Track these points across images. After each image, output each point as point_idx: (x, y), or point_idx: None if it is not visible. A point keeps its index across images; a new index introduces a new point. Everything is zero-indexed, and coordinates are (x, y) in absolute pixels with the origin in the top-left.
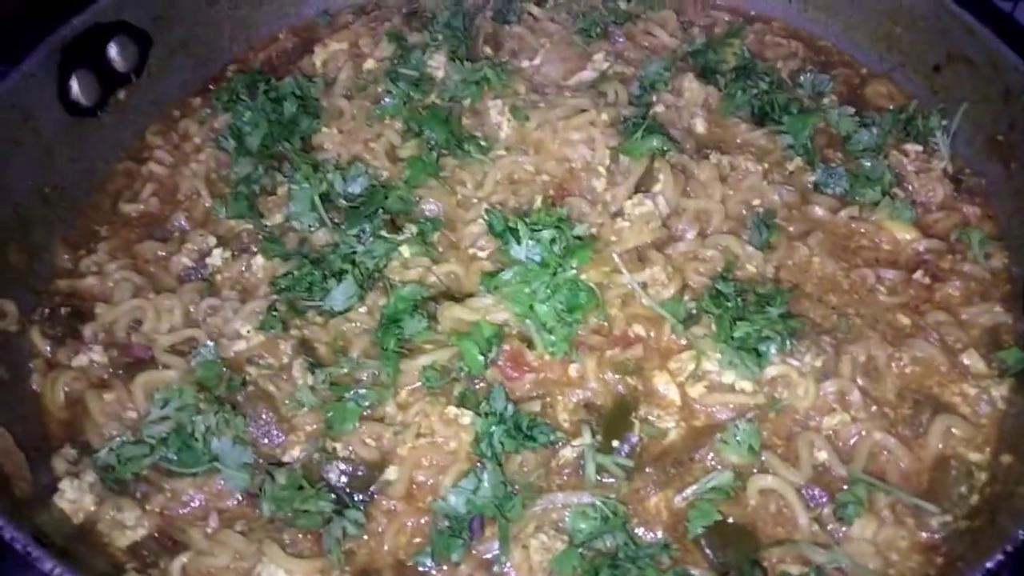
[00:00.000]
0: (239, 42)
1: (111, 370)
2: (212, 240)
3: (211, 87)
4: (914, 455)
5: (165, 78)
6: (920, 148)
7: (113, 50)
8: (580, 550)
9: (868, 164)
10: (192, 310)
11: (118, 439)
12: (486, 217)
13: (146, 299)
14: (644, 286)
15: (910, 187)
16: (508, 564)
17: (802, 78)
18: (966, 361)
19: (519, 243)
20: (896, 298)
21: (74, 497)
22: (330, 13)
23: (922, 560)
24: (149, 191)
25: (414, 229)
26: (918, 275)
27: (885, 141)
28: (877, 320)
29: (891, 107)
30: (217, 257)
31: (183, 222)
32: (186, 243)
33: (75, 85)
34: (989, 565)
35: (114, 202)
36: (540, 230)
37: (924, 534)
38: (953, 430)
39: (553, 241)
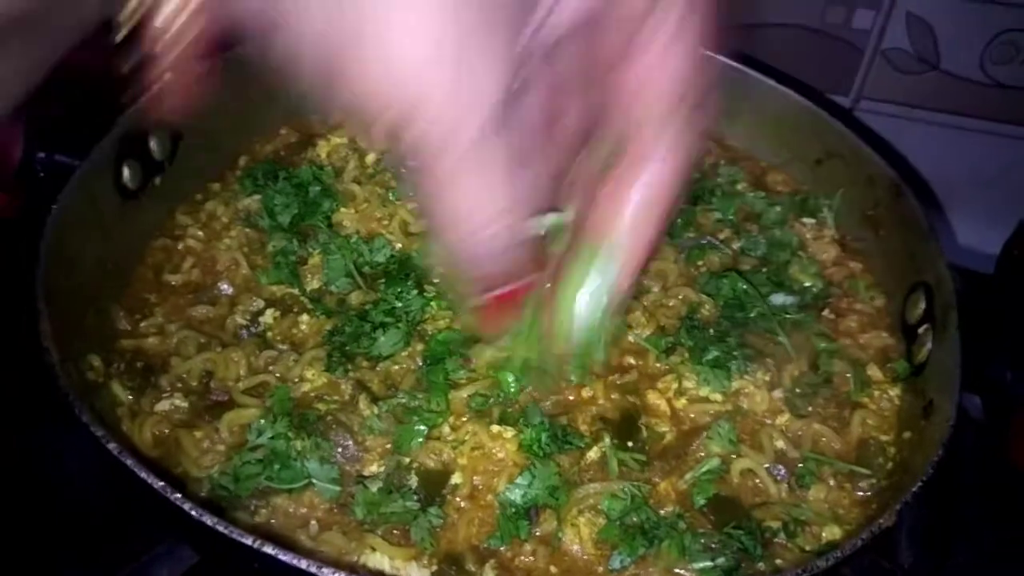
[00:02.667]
0: (248, 135)
1: (193, 413)
2: (261, 302)
3: (226, 174)
4: (843, 440)
5: (189, 166)
6: (813, 221)
7: (153, 141)
8: (617, 524)
9: (778, 233)
10: (253, 361)
11: (216, 467)
12: None
13: (215, 352)
14: (629, 327)
15: (810, 249)
16: (564, 539)
17: (720, 170)
18: (868, 372)
19: None
20: (813, 329)
21: None
22: (322, 112)
23: (861, 511)
24: (189, 263)
25: (434, 289)
26: (826, 312)
27: (787, 217)
28: (803, 346)
29: (787, 191)
30: (269, 316)
31: (227, 288)
32: (237, 305)
33: (126, 172)
34: (898, 507)
35: (156, 273)
36: None
37: (859, 493)
38: (867, 420)
39: None
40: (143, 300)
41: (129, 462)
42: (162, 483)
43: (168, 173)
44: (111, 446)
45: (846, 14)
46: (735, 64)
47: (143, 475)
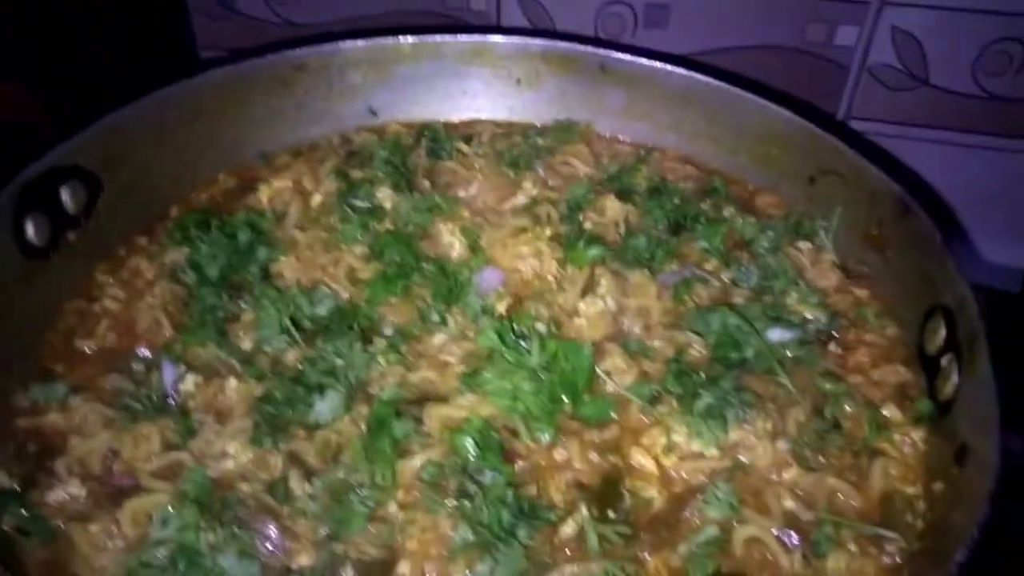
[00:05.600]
0: (182, 184)
1: (91, 502)
2: (182, 367)
3: (156, 226)
4: (863, 495)
5: (112, 219)
6: (810, 245)
7: (65, 194)
8: None
9: (772, 260)
10: (169, 436)
11: (113, 569)
12: (493, 329)
13: (122, 429)
14: (608, 374)
15: (809, 276)
16: None
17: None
18: (886, 413)
19: (531, 352)
20: (818, 367)
21: None
22: (267, 155)
23: None
24: (105, 326)
25: (384, 342)
26: (832, 347)
27: (780, 242)
28: (807, 387)
29: (779, 214)
30: (190, 383)
31: (145, 353)
32: (152, 372)
33: (30, 227)
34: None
35: (67, 340)
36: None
37: (886, 560)
38: (890, 470)
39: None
40: (47, 372)
41: None
42: None
43: (86, 227)
44: None
45: (828, 31)
46: (715, 81)
47: None
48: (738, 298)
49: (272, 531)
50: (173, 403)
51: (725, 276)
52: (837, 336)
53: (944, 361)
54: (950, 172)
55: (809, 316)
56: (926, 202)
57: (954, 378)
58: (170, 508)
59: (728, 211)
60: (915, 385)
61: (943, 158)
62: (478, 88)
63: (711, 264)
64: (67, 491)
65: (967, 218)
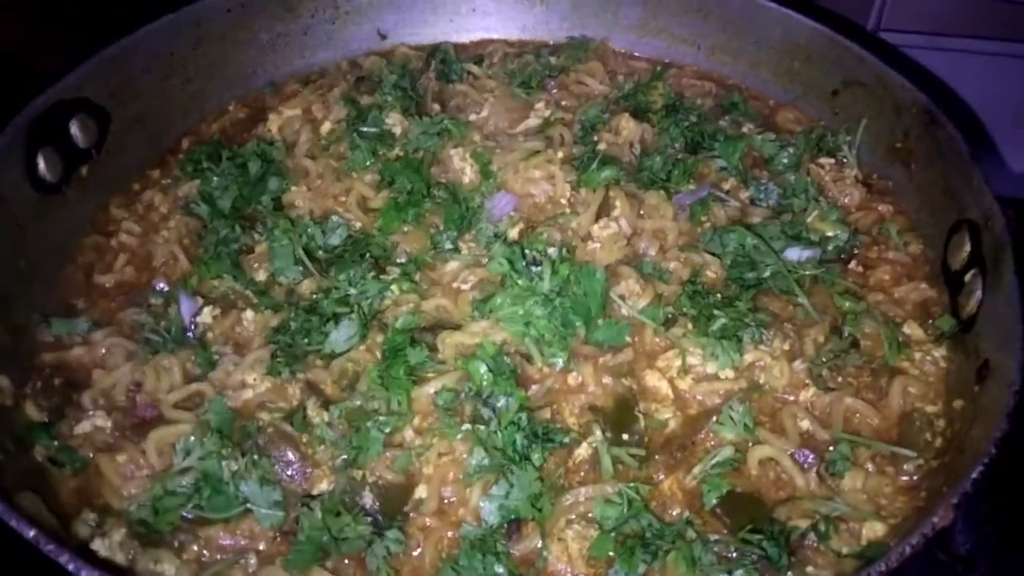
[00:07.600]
0: (191, 115)
1: (117, 433)
2: (199, 300)
3: (168, 159)
4: (881, 414)
5: (123, 153)
6: (832, 161)
7: (74, 127)
8: (612, 535)
9: (792, 178)
10: (189, 368)
11: (141, 496)
12: (503, 255)
13: (143, 361)
14: (622, 298)
15: (830, 194)
16: (550, 557)
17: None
18: (907, 331)
19: (543, 277)
20: (838, 286)
21: (106, 556)
22: (276, 84)
23: (906, 500)
24: (123, 261)
25: (397, 271)
26: (853, 265)
27: (801, 159)
28: (827, 306)
29: (800, 130)
30: (207, 315)
31: (163, 286)
32: (170, 305)
33: (41, 163)
34: (954, 500)
35: (87, 275)
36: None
37: (903, 478)
38: (909, 389)
39: (556, 271)
40: (68, 307)
41: None
42: (33, 532)
43: (98, 162)
44: None
45: None
46: None
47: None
48: (756, 217)
49: (292, 457)
50: (191, 335)
51: (743, 195)
52: (858, 254)
53: (967, 276)
54: (984, 84)
55: (829, 234)
56: (953, 113)
57: (977, 293)
58: (192, 438)
59: (747, 128)
60: (937, 302)
61: (977, 70)
62: (489, 6)
63: (729, 183)
64: (94, 423)
65: (1000, 133)
